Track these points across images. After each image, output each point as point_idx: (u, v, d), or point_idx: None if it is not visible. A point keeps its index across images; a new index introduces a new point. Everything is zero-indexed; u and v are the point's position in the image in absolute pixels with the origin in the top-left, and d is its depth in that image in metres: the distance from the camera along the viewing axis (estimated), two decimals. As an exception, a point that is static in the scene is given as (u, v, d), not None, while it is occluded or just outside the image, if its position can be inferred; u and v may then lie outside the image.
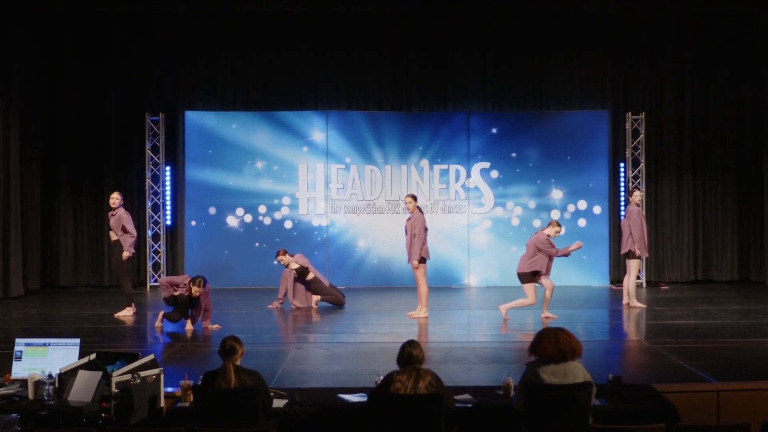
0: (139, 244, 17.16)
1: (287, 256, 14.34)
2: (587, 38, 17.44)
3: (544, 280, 12.54)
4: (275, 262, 14.80)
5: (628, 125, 17.21)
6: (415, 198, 13.09)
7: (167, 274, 17.15)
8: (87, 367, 6.74)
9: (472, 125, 17.19)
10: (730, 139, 17.55)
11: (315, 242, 16.96)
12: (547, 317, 12.56)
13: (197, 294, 11.75)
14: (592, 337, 11.24)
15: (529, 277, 12.50)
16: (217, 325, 11.90)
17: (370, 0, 17.13)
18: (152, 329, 12.14)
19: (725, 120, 17.51)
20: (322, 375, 9.02)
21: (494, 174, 17.21)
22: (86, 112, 17.22)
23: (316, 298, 14.20)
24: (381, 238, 16.97)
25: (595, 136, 17.22)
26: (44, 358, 7.18)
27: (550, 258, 12.53)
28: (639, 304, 14.01)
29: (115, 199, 13.39)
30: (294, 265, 14.18)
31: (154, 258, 17.16)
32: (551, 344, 6.09)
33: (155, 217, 17.12)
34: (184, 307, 11.92)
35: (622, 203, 17.25)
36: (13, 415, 6.15)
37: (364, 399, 6.62)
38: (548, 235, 12.57)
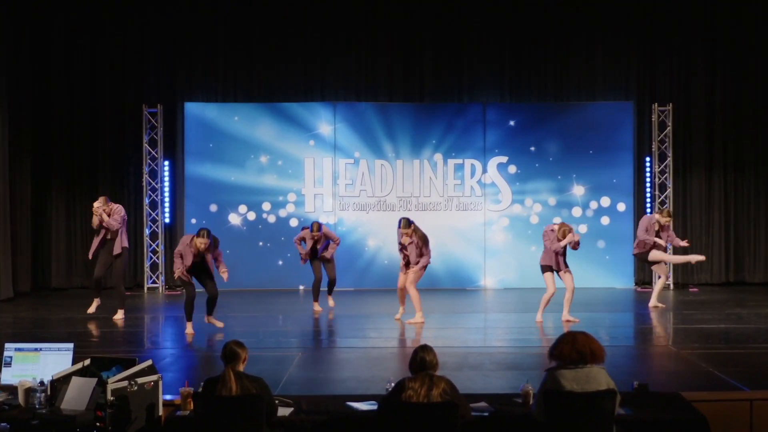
0: (136, 243, 17.20)
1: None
2: (611, 24, 17.41)
3: (564, 276, 12.55)
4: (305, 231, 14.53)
5: (654, 117, 17.16)
6: (410, 224, 12.91)
7: (165, 275, 17.20)
8: (81, 373, 6.74)
9: (489, 117, 17.17)
10: (764, 132, 17.47)
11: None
12: (568, 320, 12.55)
13: (203, 246, 11.73)
14: (616, 342, 11.21)
15: (545, 268, 12.65)
16: (225, 271, 11.92)
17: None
18: (150, 333, 12.18)
19: (759, 111, 17.44)
20: (330, 381, 9.02)
21: (512, 169, 17.18)
22: (79, 103, 17.26)
23: (331, 303, 14.20)
24: (392, 237, 16.86)
25: (619, 128, 17.17)
26: (35, 364, 7.17)
27: (556, 252, 12.53)
28: (658, 304, 14.05)
29: (95, 205, 13.46)
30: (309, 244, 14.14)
31: (152, 258, 17.19)
32: (568, 345, 6.10)
33: (153, 214, 17.15)
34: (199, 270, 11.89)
35: (648, 200, 17.22)
36: (3, 424, 6.16)
37: (375, 407, 6.62)
38: (553, 230, 12.59)
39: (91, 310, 13.64)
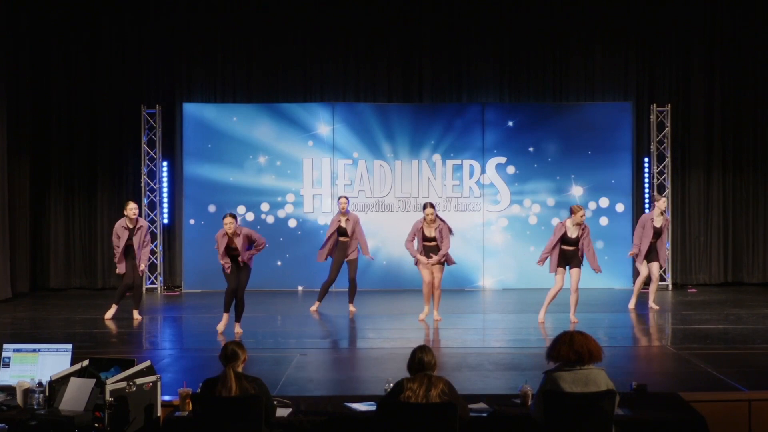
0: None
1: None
2: (610, 24, 17.39)
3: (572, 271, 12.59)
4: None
5: (653, 117, 17.16)
6: (434, 206, 13.09)
7: (164, 276, 17.20)
8: (79, 374, 6.74)
9: (488, 118, 17.17)
10: (764, 132, 17.47)
11: (321, 242, 16.92)
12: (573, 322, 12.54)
13: (232, 228, 11.66)
14: (614, 343, 11.22)
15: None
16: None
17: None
18: (148, 334, 12.17)
19: (758, 111, 17.43)
20: (329, 382, 9.03)
21: (510, 169, 17.18)
22: (78, 104, 17.24)
23: (352, 309, 14.15)
24: (391, 238, 16.94)
25: (617, 129, 17.17)
26: (34, 365, 7.17)
27: (554, 246, 12.63)
28: (653, 306, 14.03)
29: (135, 209, 13.34)
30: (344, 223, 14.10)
31: (150, 258, 17.15)
32: (566, 346, 6.11)
33: (151, 215, 17.13)
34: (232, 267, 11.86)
35: (647, 200, 17.21)
36: (1, 425, 6.16)
37: (373, 408, 6.62)
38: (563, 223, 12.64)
39: (110, 315, 13.31)
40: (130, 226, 13.21)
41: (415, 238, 13.08)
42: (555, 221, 16.91)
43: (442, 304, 13.19)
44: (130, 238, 13.18)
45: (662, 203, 13.95)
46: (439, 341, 11.53)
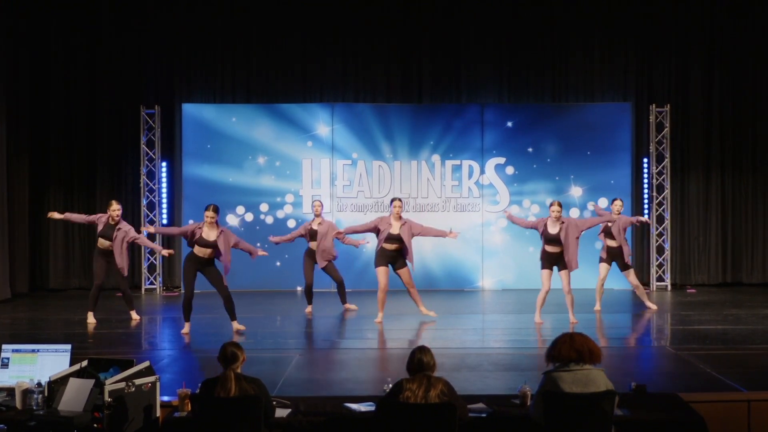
0: (134, 244, 17.14)
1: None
2: (609, 25, 17.41)
3: (560, 274, 12.58)
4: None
5: (652, 118, 17.16)
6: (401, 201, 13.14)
7: (163, 277, 17.18)
8: (78, 374, 6.73)
9: (487, 118, 17.16)
10: (763, 133, 17.48)
11: (320, 242, 16.94)
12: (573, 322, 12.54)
13: (213, 220, 11.61)
14: (613, 343, 11.21)
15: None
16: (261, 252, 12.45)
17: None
18: (147, 334, 12.16)
19: (757, 112, 17.44)
20: (328, 383, 9.01)
21: (510, 170, 17.18)
22: (77, 104, 17.25)
23: (352, 307, 14.15)
24: (390, 238, 16.91)
25: (616, 129, 17.17)
26: (33, 365, 7.16)
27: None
28: (651, 306, 14.01)
29: (119, 210, 13.22)
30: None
31: (149, 259, 17.16)
32: (566, 345, 6.12)
33: (151, 215, 17.13)
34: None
35: (645, 201, 17.22)
36: (0, 425, 6.14)
37: (372, 408, 6.61)
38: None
39: (91, 320, 13.12)
40: (111, 224, 13.09)
41: (378, 233, 13.01)
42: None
43: (440, 305, 13.23)
44: (109, 238, 13.08)
45: (616, 206, 13.94)
46: (438, 342, 11.51)
